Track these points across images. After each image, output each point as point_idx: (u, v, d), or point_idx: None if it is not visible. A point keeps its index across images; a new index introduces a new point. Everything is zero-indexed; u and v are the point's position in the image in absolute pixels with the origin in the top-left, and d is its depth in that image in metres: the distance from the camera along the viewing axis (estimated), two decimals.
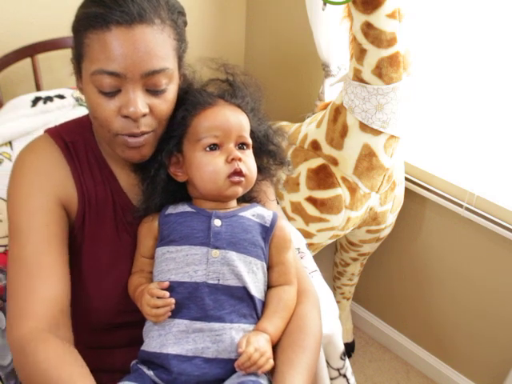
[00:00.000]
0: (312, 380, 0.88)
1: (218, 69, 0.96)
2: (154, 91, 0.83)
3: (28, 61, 1.55)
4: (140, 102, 0.82)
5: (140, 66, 0.80)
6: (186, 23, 0.90)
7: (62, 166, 0.92)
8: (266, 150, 0.96)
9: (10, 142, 1.27)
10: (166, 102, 0.85)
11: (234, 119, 0.88)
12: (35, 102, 1.36)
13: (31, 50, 1.54)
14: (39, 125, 1.30)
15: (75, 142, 0.94)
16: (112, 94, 0.82)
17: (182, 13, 0.88)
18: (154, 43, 0.80)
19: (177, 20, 0.85)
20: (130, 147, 0.86)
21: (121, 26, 0.78)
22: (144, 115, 0.83)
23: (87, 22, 0.80)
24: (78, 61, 0.85)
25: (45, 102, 1.36)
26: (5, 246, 1.16)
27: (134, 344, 0.87)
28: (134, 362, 0.86)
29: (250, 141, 0.91)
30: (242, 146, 0.89)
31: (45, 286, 0.83)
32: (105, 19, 0.78)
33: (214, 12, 2.01)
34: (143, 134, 0.85)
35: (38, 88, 1.58)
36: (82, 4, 0.83)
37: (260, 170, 0.94)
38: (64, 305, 0.85)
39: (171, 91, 0.86)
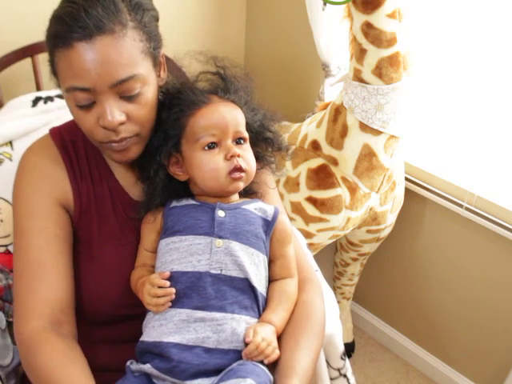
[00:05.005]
0: (316, 364, 0.89)
1: (208, 62, 0.96)
2: (128, 97, 0.84)
3: (28, 61, 1.55)
4: (115, 112, 0.83)
5: (106, 78, 0.80)
6: (155, 17, 0.89)
7: (59, 166, 0.95)
8: (262, 138, 0.97)
9: (11, 142, 1.27)
10: (143, 106, 0.86)
11: (229, 116, 0.89)
12: (36, 101, 1.36)
13: (31, 50, 1.53)
14: (40, 125, 1.30)
15: (75, 140, 0.95)
16: (88, 106, 0.84)
17: (147, 9, 0.86)
18: (116, 52, 0.80)
19: (142, 19, 0.84)
20: (115, 151, 0.88)
21: (81, 42, 0.79)
22: (122, 123, 0.84)
23: (53, 42, 0.82)
24: (55, 76, 0.87)
25: (45, 102, 1.36)
26: (5, 245, 1.16)
27: (136, 340, 0.87)
28: (128, 363, 0.86)
29: (246, 135, 0.91)
30: (239, 140, 0.90)
31: (46, 287, 0.88)
32: (65, 37, 0.79)
33: (214, 12, 2.01)
34: (124, 139, 0.86)
35: (39, 88, 1.58)
36: (48, 23, 0.84)
37: (258, 158, 0.95)
38: (65, 303, 0.89)
39: (147, 94, 0.86)
